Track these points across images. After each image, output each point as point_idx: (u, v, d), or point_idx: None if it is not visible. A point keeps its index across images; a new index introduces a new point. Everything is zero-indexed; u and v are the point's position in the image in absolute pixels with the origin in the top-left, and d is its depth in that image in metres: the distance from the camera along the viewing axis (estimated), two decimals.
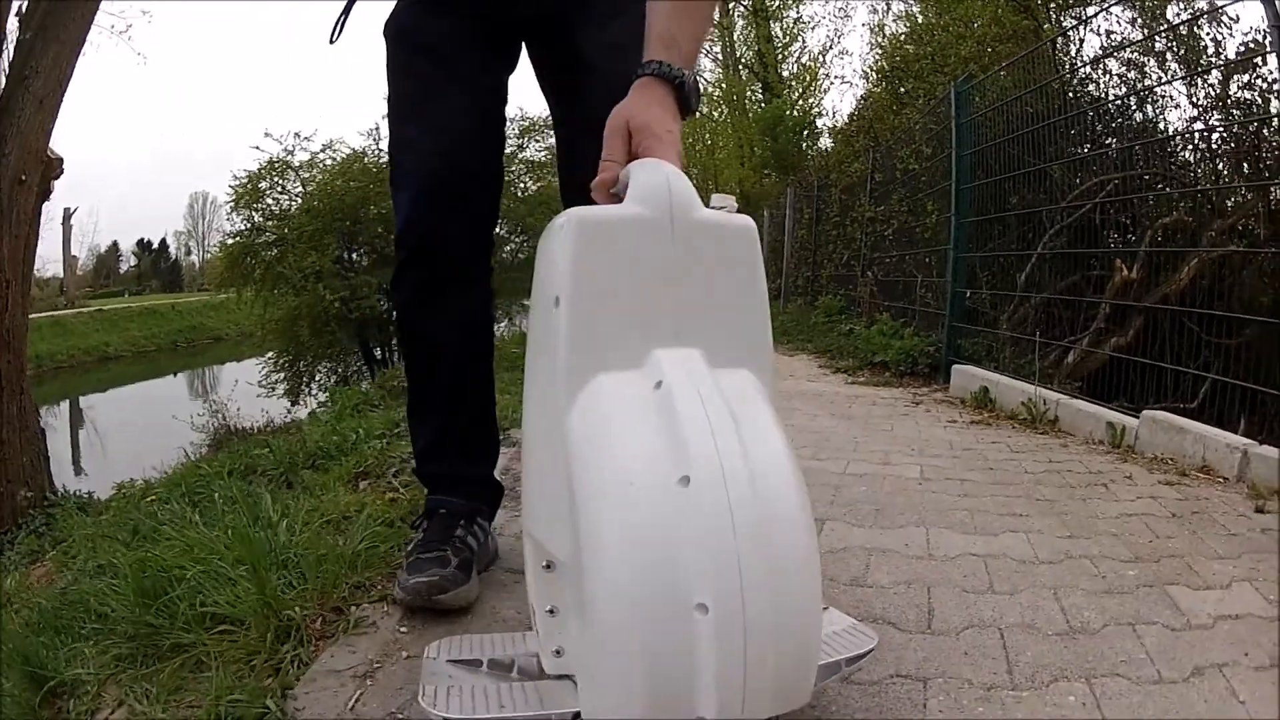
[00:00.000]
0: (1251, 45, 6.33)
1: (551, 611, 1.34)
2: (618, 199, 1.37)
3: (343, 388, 10.44)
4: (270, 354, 16.52)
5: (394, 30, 2.17)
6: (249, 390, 14.72)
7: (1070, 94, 7.38)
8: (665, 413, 1.13)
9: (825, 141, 27.48)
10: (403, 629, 1.92)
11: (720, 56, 37.49)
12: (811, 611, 1.12)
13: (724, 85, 37.23)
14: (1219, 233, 6.29)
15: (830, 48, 36.22)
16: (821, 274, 15.47)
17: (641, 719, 1.05)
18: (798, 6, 34.59)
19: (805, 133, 30.61)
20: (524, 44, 2.27)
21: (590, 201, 1.57)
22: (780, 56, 35.57)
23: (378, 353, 15.68)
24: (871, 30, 27.30)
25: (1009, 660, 1.92)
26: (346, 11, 2.25)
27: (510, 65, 2.26)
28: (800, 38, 35.70)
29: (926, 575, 2.46)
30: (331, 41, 2.30)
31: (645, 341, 1.24)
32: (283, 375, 15.89)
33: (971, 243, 7.50)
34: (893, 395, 6.56)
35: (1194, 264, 6.31)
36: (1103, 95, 7.60)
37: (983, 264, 7.57)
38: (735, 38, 36.71)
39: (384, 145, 15.60)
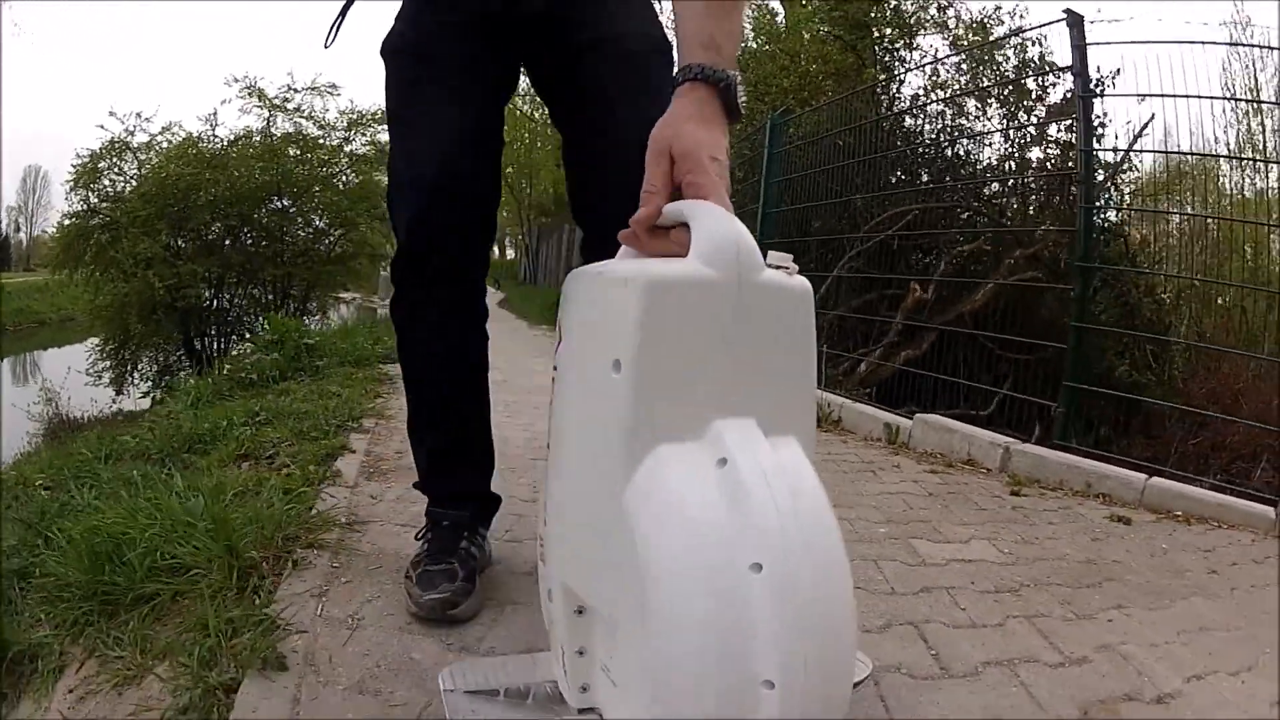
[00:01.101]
0: (1068, 98, 7.02)
1: (580, 653, 1.33)
2: (659, 234, 1.33)
3: (195, 378, 9.84)
4: (94, 341, 15.89)
5: (392, 46, 2.13)
6: (69, 377, 13.91)
7: (886, 130, 8.21)
8: (732, 493, 1.11)
9: None
10: (335, 566, 2.33)
11: None
12: (848, 689, 1.15)
13: None
14: (1018, 260, 7.12)
15: None
16: None
17: None
18: None
19: None
20: (524, 65, 2.23)
21: (603, 224, 1.66)
22: None
23: (198, 344, 15.33)
24: None
25: None
26: (343, 14, 2.24)
27: (510, 84, 2.22)
28: None
29: None
30: (326, 46, 2.28)
31: (705, 410, 1.19)
32: (109, 363, 15.31)
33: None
34: None
35: (989, 288, 7.19)
36: (919, 132, 8.52)
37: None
38: None
39: (219, 132, 15.67)
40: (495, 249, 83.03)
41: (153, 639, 1.96)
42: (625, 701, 1.20)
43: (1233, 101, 6.08)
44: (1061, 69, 6.73)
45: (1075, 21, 5.86)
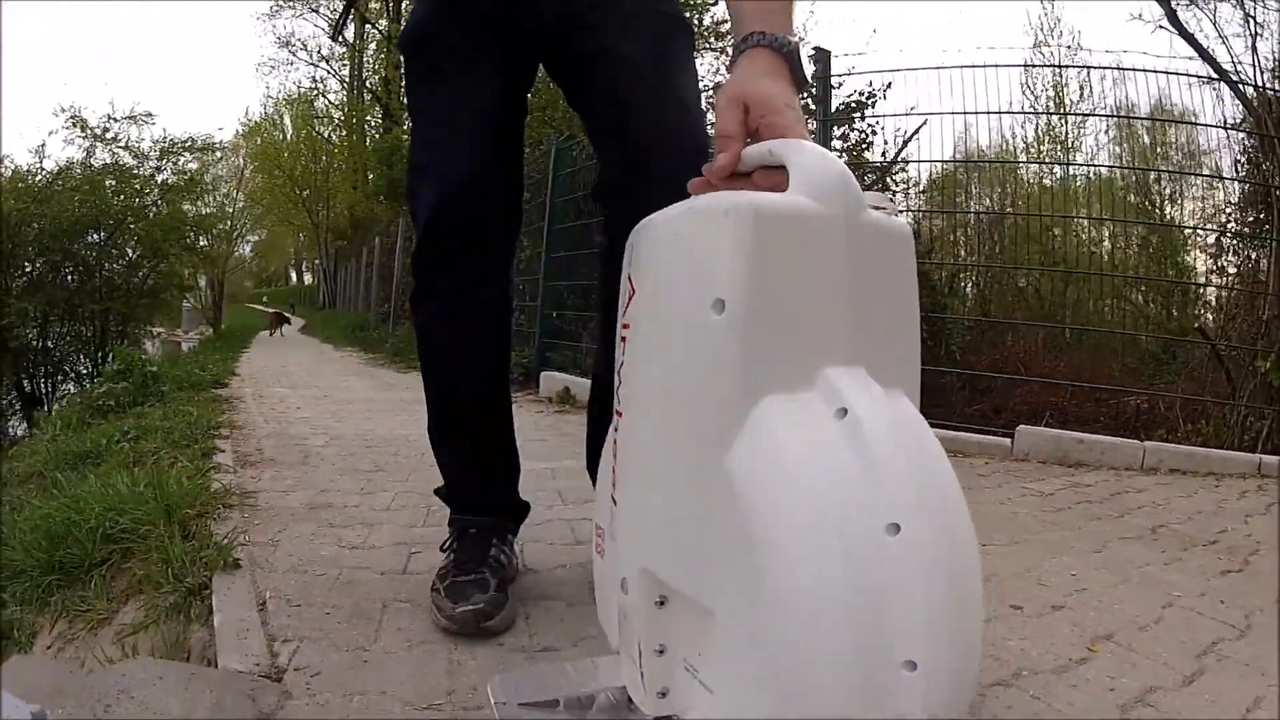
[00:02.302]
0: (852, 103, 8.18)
1: (660, 651, 1.16)
2: (739, 181, 1.21)
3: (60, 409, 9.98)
4: None
5: (411, 37, 2.07)
6: None
7: None
8: (858, 447, 0.98)
9: None
10: (244, 516, 2.93)
11: (348, 79, 37.59)
12: (977, 662, 1.01)
13: (346, 109, 37.25)
14: None
15: None
16: None
17: None
18: None
19: None
20: (541, 66, 2.19)
21: (621, 205, 1.78)
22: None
23: (27, 385, 14.88)
24: None
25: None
26: (347, 10, 2.19)
27: (530, 74, 2.16)
28: None
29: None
30: (334, 39, 2.18)
31: (816, 358, 1.05)
32: None
33: (561, 274, 8.91)
34: None
35: None
36: None
37: (569, 291, 8.84)
38: (366, 61, 36.67)
39: (48, 165, 15.58)
40: (293, 274, 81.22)
41: (114, 589, 2.46)
42: (726, 703, 1.03)
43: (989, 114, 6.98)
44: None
45: (822, 57, 6.96)
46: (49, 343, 15.03)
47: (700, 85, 2.17)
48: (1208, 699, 1.94)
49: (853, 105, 8.40)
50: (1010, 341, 8.41)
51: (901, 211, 8.04)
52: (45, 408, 13.96)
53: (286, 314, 31.50)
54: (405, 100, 2.21)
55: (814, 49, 7.30)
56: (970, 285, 9.82)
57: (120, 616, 2.31)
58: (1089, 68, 12.60)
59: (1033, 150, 16.20)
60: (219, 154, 25.32)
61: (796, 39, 1.39)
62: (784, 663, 0.92)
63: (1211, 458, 5.31)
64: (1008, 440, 5.48)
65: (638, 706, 1.20)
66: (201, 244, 21.46)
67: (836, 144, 8.12)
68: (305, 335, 26.38)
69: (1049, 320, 8.88)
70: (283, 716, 1.54)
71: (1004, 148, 9.93)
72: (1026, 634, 2.27)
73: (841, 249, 1.05)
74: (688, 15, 2.20)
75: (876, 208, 1.12)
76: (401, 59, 2.19)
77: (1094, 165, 10.01)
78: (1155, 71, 6.70)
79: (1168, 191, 9.91)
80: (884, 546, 0.92)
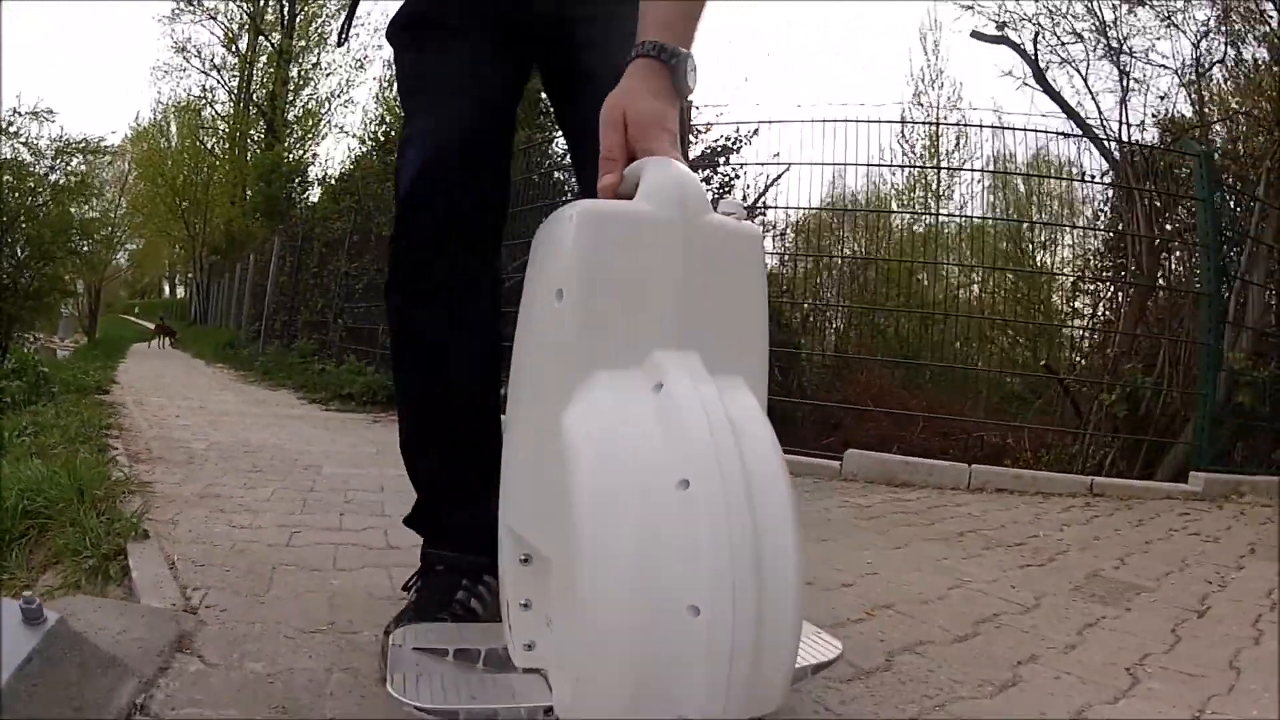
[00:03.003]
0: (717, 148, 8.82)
1: (526, 605, 1.30)
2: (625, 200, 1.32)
3: None
4: None
5: (403, 22, 1.99)
6: None
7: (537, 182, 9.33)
8: (665, 414, 1.11)
9: (314, 193, 28.55)
10: (144, 499, 3.26)
11: (236, 90, 37.16)
12: (794, 619, 1.09)
13: (230, 121, 37.04)
14: None
15: (339, 95, 35.98)
16: (299, 319, 16.39)
17: (624, 716, 1.05)
18: (319, 52, 35.17)
19: (297, 180, 31.01)
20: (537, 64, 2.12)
21: None
22: (290, 100, 35.87)
23: None
24: (383, 87, 29.16)
25: None
26: (351, 12, 2.18)
27: (524, 73, 2.06)
28: (313, 82, 36.24)
29: None
30: (340, 43, 2.22)
31: (647, 342, 1.20)
32: None
33: None
34: (358, 417, 8.01)
35: None
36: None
37: None
38: (254, 74, 36.50)
39: None
40: (166, 287, 79.68)
41: (33, 561, 2.75)
42: (556, 650, 1.17)
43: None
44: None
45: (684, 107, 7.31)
46: None
47: None
48: (978, 652, 2.26)
49: (716, 150, 8.91)
50: (864, 379, 8.67)
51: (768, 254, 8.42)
52: None
53: (172, 327, 31.04)
54: (397, 89, 2.06)
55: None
56: (831, 328, 10.24)
57: (42, 582, 2.56)
58: (961, 124, 13.27)
59: (904, 198, 16.91)
60: (108, 158, 24.97)
61: (687, 53, 1.45)
62: (583, 607, 1.05)
63: (1039, 479, 5.71)
64: (837, 462, 5.87)
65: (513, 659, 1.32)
66: (85, 248, 20.93)
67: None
68: (176, 349, 26.22)
69: (909, 360, 9.15)
70: (200, 634, 1.86)
71: (875, 196, 10.37)
72: (812, 602, 2.59)
73: (677, 249, 1.21)
74: None
75: (728, 214, 1.31)
76: (391, 49, 2.06)
77: (953, 216, 10.24)
78: (1027, 129, 7.36)
79: (1041, 238, 10.20)
80: (672, 503, 1.03)
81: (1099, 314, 8.81)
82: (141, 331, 38.40)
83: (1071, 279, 9.22)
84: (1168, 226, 7.88)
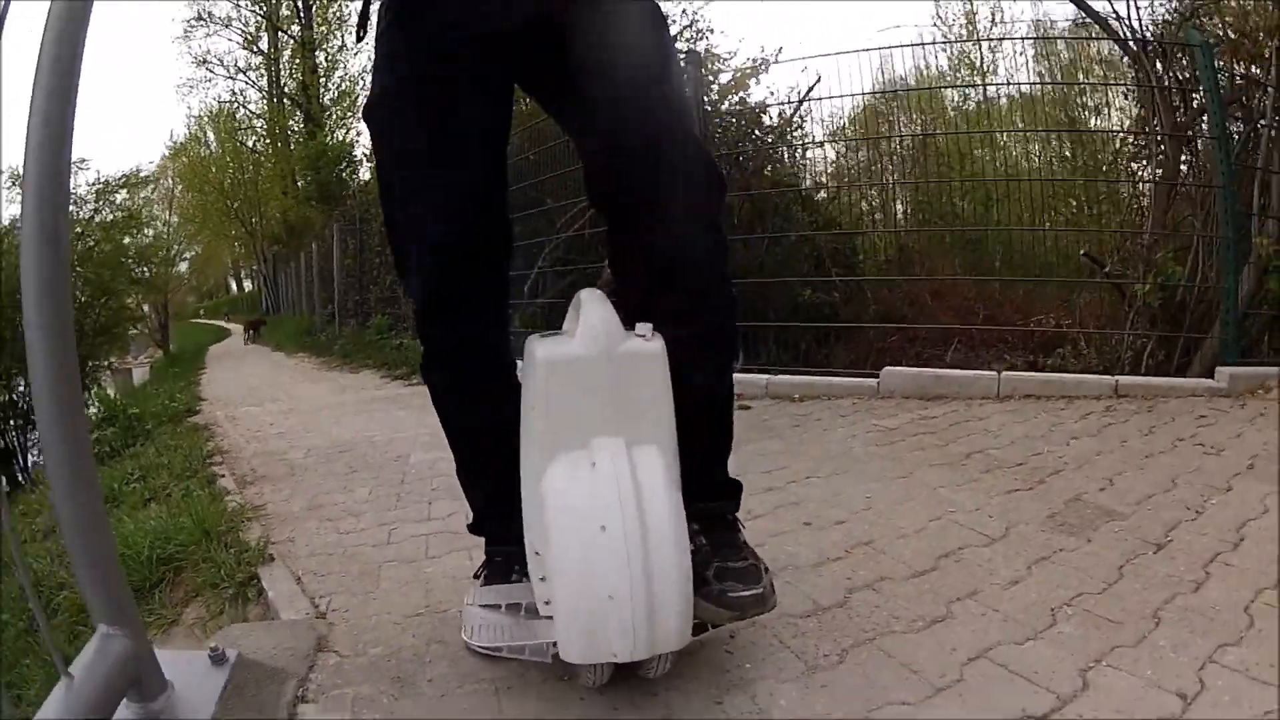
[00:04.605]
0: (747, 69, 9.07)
1: (542, 579, 1.93)
2: None
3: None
4: None
5: (377, 100, 2.13)
6: None
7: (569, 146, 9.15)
8: (595, 483, 1.78)
9: (364, 173, 29.18)
10: (262, 525, 3.88)
11: (265, 88, 37.54)
12: (679, 603, 1.77)
13: (268, 117, 37.52)
14: None
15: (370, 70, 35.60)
16: (370, 296, 16.92)
17: (583, 655, 1.79)
18: (341, 33, 35.12)
19: (345, 163, 31.66)
20: (523, 85, 2.26)
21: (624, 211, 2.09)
22: (323, 85, 35.87)
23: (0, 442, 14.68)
24: None
25: None
26: (366, 7, 2.21)
27: (506, 121, 2.19)
28: (343, 64, 36.21)
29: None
30: (359, 39, 2.26)
31: (589, 432, 1.86)
32: None
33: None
34: None
35: None
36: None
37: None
38: (281, 69, 36.68)
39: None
40: (232, 283, 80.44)
41: (174, 599, 3.31)
42: (554, 606, 1.84)
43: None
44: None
45: (694, 60, 8.07)
46: (13, 396, 15.03)
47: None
48: (927, 588, 2.65)
49: (747, 70, 9.26)
50: (926, 271, 8.79)
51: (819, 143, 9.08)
52: (20, 460, 14.31)
53: (262, 320, 32.41)
54: (377, 160, 2.22)
55: (688, 50, 8.25)
56: (891, 217, 10.13)
57: (185, 616, 3.18)
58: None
59: (951, 78, 16.56)
60: (150, 185, 25.22)
61: None
62: (555, 588, 1.80)
63: (1067, 383, 6.01)
64: (874, 381, 6.41)
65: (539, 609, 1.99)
66: (146, 274, 21.69)
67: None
68: (256, 344, 27.04)
69: (974, 247, 9.37)
70: (332, 634, 2.44)
71: (921, 77, 10.29)
72: (804, 542, 3.12)
73: (603, 372, 1.86)
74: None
75: (640, 335, 1.91)
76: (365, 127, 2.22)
77: (995, 84, 10.38)
78: None
79: (1093, 104, 9.78)
80: (597, 537, 1.73)
81: (1137, 197, 8.72)
82: (213, 332, 39.76)
83: (1117, 147, 9.02)
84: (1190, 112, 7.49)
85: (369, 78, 2.24)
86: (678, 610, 1.77)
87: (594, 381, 1.87)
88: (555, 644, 1.85)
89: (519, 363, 2.12)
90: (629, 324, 1.97)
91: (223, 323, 53.21)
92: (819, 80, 8.14)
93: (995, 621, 2.43)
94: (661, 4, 2.18)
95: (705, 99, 8.47)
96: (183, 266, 49.70)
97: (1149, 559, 2.88)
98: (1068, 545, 3.03)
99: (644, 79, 2.01)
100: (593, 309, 1.93)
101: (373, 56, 2.17)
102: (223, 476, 5.05)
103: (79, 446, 1.58)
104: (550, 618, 1.88)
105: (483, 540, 2.45)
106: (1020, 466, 4.13)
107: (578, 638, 1.78)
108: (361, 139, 35.43)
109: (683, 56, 7.99)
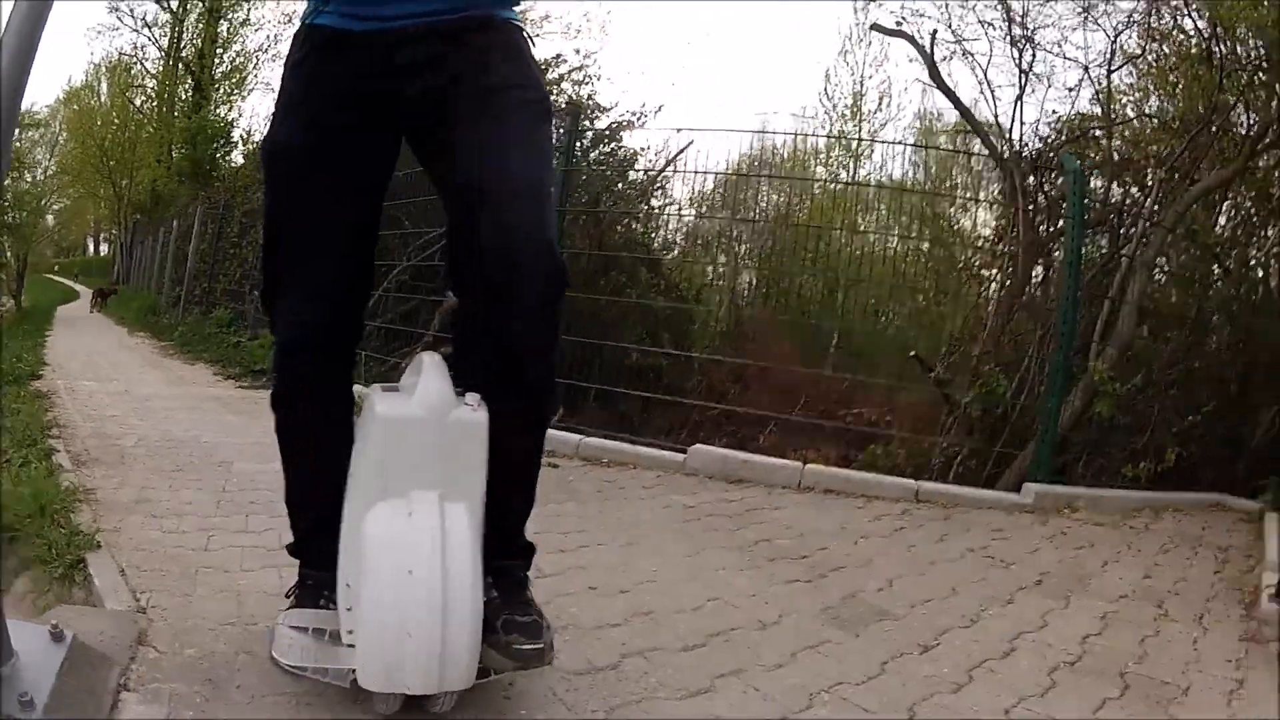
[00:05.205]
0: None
1: (349, 609, 2.15)
2: None
3: None
4: None
5: (271, 150, 2.38)
6: None
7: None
8: (409, 531, 2.03)
9: (238, 156, 28.87)
10: (91, 507, 4.04)
11: (165, 49, 36.72)
12: (469, 643, 2.03)
13: (160, 79, 36.85)
14: None
15: (266, 49, 35.15)
16: (217, 287, 16.93)
17: (382, 685, 2.05)
18: (248, 7, 34.67)
19: (222, 142, 31.32)
20: (407, 137, 2.44)
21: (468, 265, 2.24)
22: (219, 57, 35.40)
23: None
24: None
25: None
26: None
27: (389, 169, 2.45)
28: (242, 38, 35.67)
29: None
30: None
31: (410, 485, 2.10)
32: None
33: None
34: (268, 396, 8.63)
35: None
36: None
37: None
38: (185, 31, 36.08)
39: None
40: (90, 244, 77.97)
41: (4, 568, 3.43)
42: (357, 636, 2.09)
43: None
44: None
45: (573, 112, 8.83)
46: None
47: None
48: (696, 662, 2.86)
49: (616, 127, 9.90)
50: (757, 349, 9.10)
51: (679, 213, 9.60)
52: None
53: (112, 289, 31.42)
54: (265, 200, 2.45)
55: (568, 101, 8.67)
56: (746, 280, 10.65)
57: (17, 586, 3.33)
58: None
59: (824, 158, 16.74)
60: (40, 128, 24.43)
61: None
62: (359, 625, 2.06)
63: (869, 481, 6.16)
64: (682, 457, 6.46)
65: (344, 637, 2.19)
66: (17, 220, 21.27)
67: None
68: (101, 313, 26.54)
69: (814, 330, 9.63)
70: (151, 630, 2.61)
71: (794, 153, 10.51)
72: (587, 605, 3.28)
73: (432, 433, 2.11)
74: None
75: (468, 404, 2.17)
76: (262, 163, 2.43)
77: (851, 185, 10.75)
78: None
79: (960, 204, 10.66)
80: (405, 579, 1.98)
81: (982, 305, 8.86)
82: (66, 292, 38.53)
83: (970, 255, 9.61)
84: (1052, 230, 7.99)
85: (261, 57, 2.55)
86: (467, 653, 2.02)
87: (422, 441, 2.12)
88: (355, 671, 2.07)
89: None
90: (461, 381, 2.24)
91: (73, 283, 51.72)
92: (691, 143, 8.51)
93: (754, 699, 2.63)
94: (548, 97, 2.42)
95: (577, 145, 8.87)
96: (49, 220, 48.17)
97: (914, 658, 3.06)
98: (836, 638, 3.19)
99: (516, 187, 2.18)
100: (432, 375, 2.19)
101: (281, 80, 2.39)
102: (59, 452, 5.16)
103: None
104: (353, 646, 2.09)
105: (297, 562, 2.59)
106: (805, 559, 4.31)
107: (377, 668, 2.02)
108: (241, 120, 35.53)
109: (562, 108, 8.54)
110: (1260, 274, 9.06)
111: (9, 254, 26.06)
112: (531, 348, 2.27)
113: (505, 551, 2.40)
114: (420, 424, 2.13)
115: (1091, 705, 2.87)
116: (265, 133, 2.48)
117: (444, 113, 2.25)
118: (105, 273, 47.74)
